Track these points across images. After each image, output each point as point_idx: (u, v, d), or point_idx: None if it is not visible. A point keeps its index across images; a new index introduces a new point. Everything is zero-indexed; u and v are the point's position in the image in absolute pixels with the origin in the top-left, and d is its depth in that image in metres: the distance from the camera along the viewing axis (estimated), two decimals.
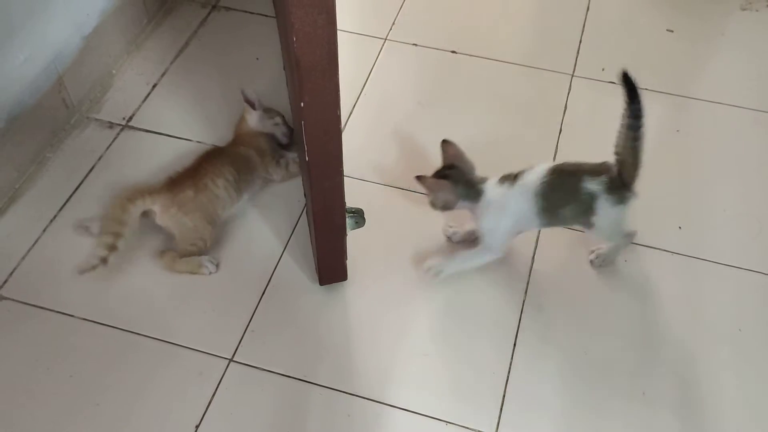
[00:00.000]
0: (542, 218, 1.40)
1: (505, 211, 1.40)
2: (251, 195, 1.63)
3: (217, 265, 1.52)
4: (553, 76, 1.91)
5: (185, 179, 1.53)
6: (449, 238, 1.56)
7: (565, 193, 1.37)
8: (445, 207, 1.43)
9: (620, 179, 1.34)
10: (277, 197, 1.65)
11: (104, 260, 1.45)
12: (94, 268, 1.44)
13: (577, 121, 1.81)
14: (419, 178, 1.40)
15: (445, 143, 1.45)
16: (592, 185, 1.34)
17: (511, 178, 1.40)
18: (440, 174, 1.43)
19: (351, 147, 1.72)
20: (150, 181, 1.60)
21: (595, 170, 1.36)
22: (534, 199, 1.37)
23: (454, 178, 1.40)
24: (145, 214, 1.51)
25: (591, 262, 1.53)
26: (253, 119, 1.65)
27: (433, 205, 1.43)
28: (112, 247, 1.45)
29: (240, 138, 1.66)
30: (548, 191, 1.36)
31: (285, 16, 1.05)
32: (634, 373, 1.39)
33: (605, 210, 1.36)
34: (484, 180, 1.43)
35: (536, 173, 1.38)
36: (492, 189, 1.41)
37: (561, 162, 1.40)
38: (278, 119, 1.68)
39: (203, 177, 1.53)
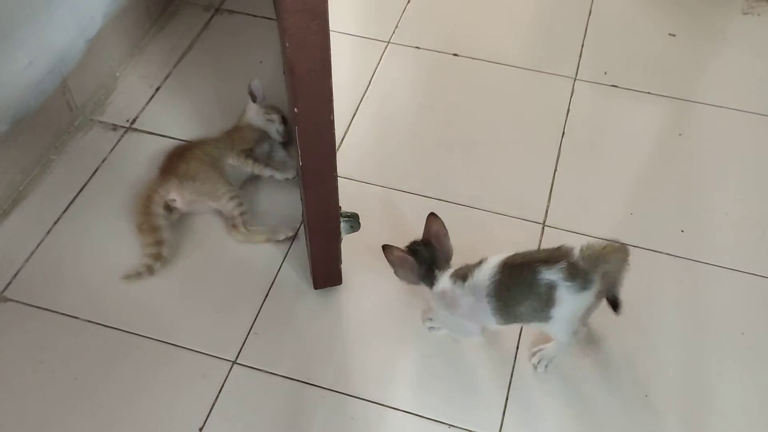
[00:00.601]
0: (499, 317, 1.27)
1: (456, 309, 1.31)
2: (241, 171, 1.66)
3: (294, 230, 1.57)
4: (555, 79, 1.92)
5: (173, 160, 1.61)
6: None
7: (520, 289, 1.24)
8: (408, 282, 1.37)
9: (581, 264, 1.22)
10: (281, 200, 1.65)
11: (150, 269, 1.49)
12: (139, 275, 1.49)
13: (580, 124, 1.81)
14: (385, 248, 1.31)
15: (431, 217, 1.34)
16: (550, 275, 1.21)
17: (461, 276, 1.28)
18: (411, 248, 1.34)
19: (353, 149, 1.74)
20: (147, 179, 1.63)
21: (551, 257, 1.23)
22: (487, 300, 1.25)
23: (420, 258, 1.32)
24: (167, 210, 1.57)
25: (534, 366, 1.39)
26: (251, 111, 1.69)
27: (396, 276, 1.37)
28: (158, 256, 1.50)
29: (235, 127, 1.70)
30: (501, 290, 1.24)
31: (279, 22, 1.06)
32: (636, 376, 1.39)
33: (566, 300, 1.23)
34: (446, 268, 1.32)
35: (485, 271, 1.25)
36: (444, 281, 1.30)
37: (510, 254, 1.27)
38: (275, 116, 1.69)
39: (184, 152, 1.62)
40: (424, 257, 1.33)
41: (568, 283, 1.21)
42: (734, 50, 2.01)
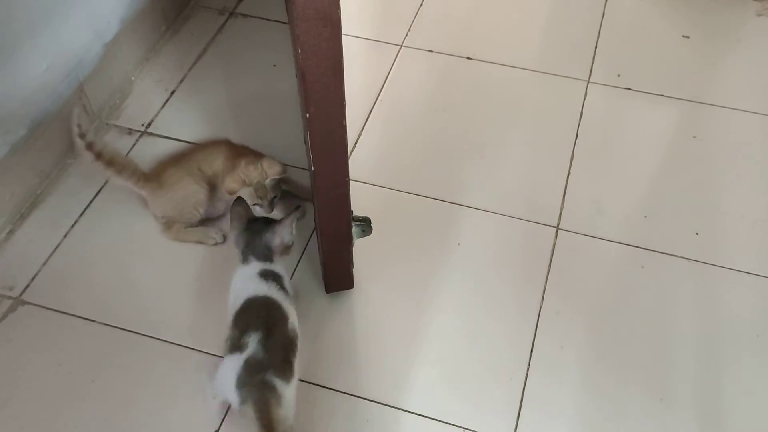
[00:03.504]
0: None
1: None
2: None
3: (224, 237, 1.57)
4: (568, 82, 1.92)
5: (165, 165, 1.60)
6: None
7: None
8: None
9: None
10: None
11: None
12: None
13: (593, 127, 1.81)
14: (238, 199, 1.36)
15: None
16: None
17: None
18: (251, 219, 1.36)
19: (366, 153, 1.75)
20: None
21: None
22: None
23: (245, 227, 1.34)
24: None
25: None
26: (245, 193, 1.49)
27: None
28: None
29: (240, 158, 1.54)
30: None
31: (291, 28, 1.06)
32: (651, 379, 1.39)
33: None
34: (251, 262, 1.33)
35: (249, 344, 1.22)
36: (243, 272, 1.33)
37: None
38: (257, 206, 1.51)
39: (179, 160, 1.59)
40: (253, 230, 1.32)
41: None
42: (748, 52, 2.00)
